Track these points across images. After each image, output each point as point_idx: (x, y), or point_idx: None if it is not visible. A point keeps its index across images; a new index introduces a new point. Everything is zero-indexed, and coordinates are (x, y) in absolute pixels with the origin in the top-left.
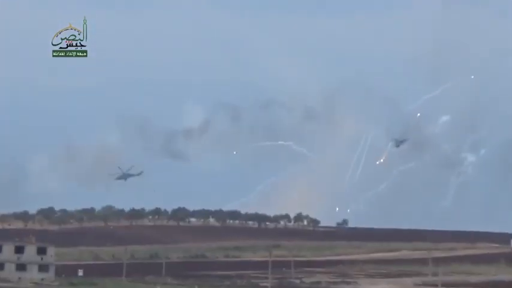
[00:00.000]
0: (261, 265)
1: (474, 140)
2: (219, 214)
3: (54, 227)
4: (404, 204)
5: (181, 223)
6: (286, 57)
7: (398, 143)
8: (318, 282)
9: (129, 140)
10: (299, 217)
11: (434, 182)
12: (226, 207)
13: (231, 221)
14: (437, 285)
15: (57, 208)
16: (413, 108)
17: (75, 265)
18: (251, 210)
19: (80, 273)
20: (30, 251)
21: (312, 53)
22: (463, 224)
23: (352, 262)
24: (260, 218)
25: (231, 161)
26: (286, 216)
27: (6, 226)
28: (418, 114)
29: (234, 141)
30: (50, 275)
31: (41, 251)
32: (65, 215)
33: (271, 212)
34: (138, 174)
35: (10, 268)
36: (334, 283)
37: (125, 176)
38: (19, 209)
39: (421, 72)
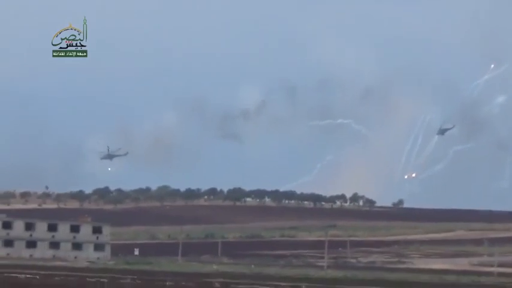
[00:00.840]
0: (317, 245)
1: None
2: (274, 194)
3: (109, 207)
4: (460, 184)
5: (237, 203)
6: (343, 38)
7: (443, 131)
8: (374, 262)
9: (185, 121)
10: (355, 197)
11: (491, 162)
12: (284, 188)
13: (287, 201)
14: (493, 266)
15: (112, 188)
16: (470, 89)
17: (131, 244)
18: (307, 190)
19: (136, 252)
20: (86, 230)
21: (369, 34)
22: None
23: (408, 242)
24: (316, 198)
25: (288, 141)
26: (342, 197)
27: (62, 206)
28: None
29: (292, 120)
30: (106, 254)
31: (97, 230)
32: (121, 195)
33: (327, 192)
34: (124, 155)
35: (66, 247)
36: (390, 263)
37: (110, 156)
38: (75, 189)
39: (477, 54)
